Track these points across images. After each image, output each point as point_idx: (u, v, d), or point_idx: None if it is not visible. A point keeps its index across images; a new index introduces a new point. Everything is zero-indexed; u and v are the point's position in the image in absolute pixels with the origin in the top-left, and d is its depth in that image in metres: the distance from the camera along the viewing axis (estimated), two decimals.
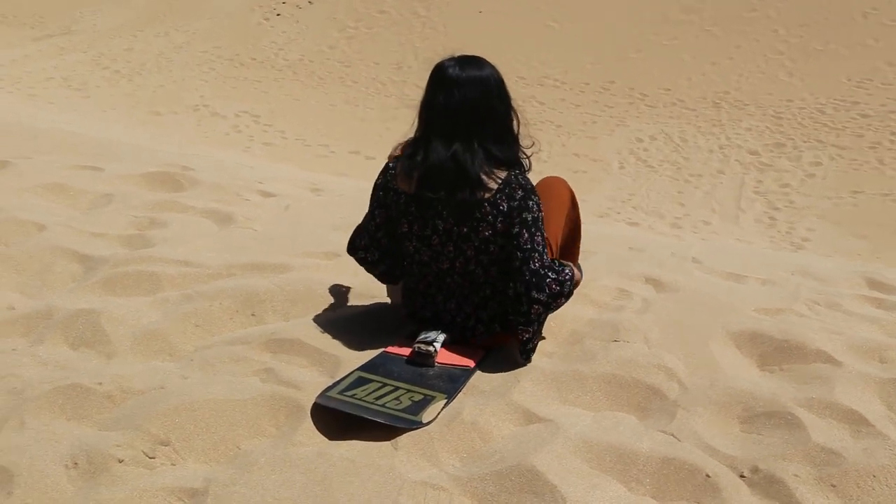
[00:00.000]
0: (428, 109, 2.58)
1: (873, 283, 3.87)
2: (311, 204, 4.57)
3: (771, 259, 4.64)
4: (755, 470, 2.10)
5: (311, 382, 2.39)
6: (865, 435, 2.26)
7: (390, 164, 2.68)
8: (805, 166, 11.43)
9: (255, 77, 16.68)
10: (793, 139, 12.33)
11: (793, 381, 2.58)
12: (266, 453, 2.08)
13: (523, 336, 2.57)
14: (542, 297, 2.50)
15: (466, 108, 2.51)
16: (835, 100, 13.48)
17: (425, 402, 2.34)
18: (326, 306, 2.96)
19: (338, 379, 2.44)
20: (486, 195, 2.51)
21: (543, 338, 2.72)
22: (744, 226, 9.72)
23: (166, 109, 14.65)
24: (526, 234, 2.52)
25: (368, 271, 2.80)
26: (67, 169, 4.80)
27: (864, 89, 13.72)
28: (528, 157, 2.67)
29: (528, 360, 2.61)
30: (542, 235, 2.56)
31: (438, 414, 2.30)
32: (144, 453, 2.04)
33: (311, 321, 2.79)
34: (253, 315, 2.86)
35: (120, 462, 1.98)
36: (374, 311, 2.93)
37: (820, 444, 2.18)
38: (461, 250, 2.59)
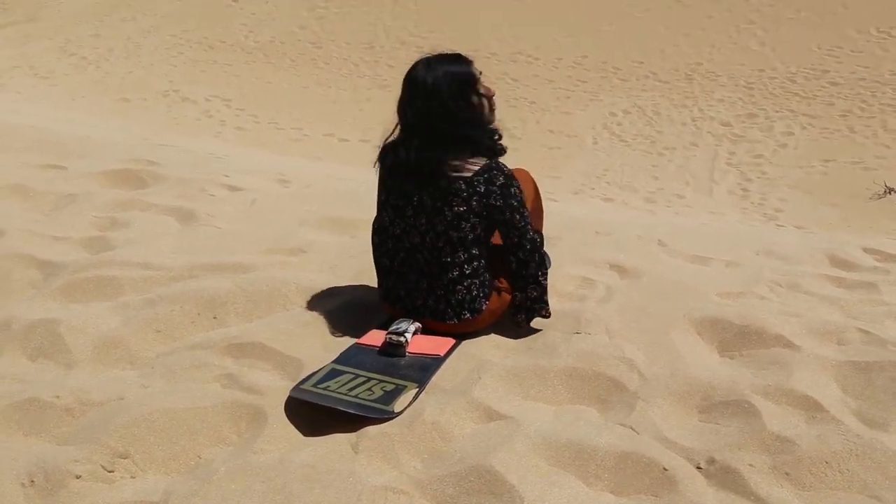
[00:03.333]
0: (401, 109, 2.70)
1: (836, 261, 3.91)
2: (277, 197, 4.54)
3: (738, 237, 4.68)
4: (711, 461, 2.13)
5: (273, 387, 2.39)
6: (820, 421, 2.29)
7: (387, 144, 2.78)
8: (777, 136, 11.49)
9: (226, 60, 16.50)
10: (765, 109, 12.38)
11: (751, 368, 2.61)
12: (226, 462, 2.08)
13: (532, 293, 2.74)
14: (544, 259, 2.76)
15: (434, 111, 2.62)
16: (805, 68, 13.54)
17: (397, 392, 2.39)
18: (290, 306, 2.96)
19: (311, 372, 2.48)
20: (464, 175, 2.63)
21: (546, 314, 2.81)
22: (717, 198, 9.77)
23: (135, 96, 14.48)
24: (517, 216, 2.69)
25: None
26: (30, 168, 4.75)
27: (833, 57, 13.79)
28: (498, 141, 2.75)
29: (528, 321, 2.79)
30: (527, 211, 2.74)
31: (410, 403, 2.35)
32: (103, 467, 2.03)
33: (274, 323, 2.79)
34: (215, 318, 2.85)
35: (78, 478, 1.97)
36: (338, 311, 2.93)
37: (775, 433, 2.21)
38: (432, 224, 2.65)
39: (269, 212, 4.15)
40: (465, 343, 2.71)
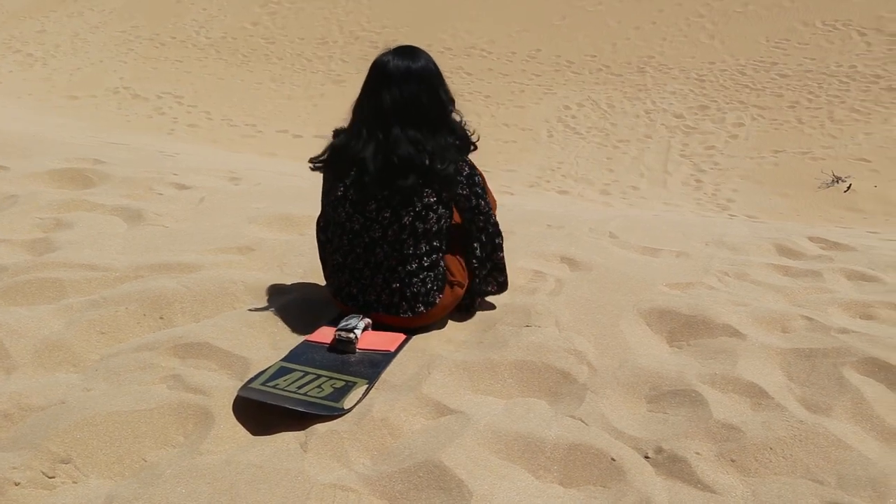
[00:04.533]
0: (369, 105, 2.68)
1: (782, 250, 3.98)
2: (227, 195, 4.48)
3: (689, 228, 4.73)
4: (659, 450, 2.15)
5: (220, 387, 2.35)
6: (765, 408, 2.33)
7: (335, 133, 2.79)
8: (728, 127, 11.66)
9: (177, 57, 16.29)
10: (716, 101, 12.56)
11: (699, 357, 2.64)
12: (172, 464, 2.05)
13: (487, 288, 2.92)
14: (499, 242, 2.86)
15: (408, 103, 2.64)
16: (754, 61, 13.76)
17: (347, 389, 2.38)
18: (237, 305, 2.92)
19: (260, 370, 2.45)
20: (436, 166, 2.64)
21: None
22: (671, 189, 9.89)
23: (84, 93, 14.23)
24: (483, 202, 2.80)
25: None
26: None
27: (781, 49, 14.04)
28: (469, 136, 2.79)
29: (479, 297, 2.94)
30: (489, 199, 2.85)
31: (360, 400, 2.33)
32: (44, 473, 1.99)
33: (221, 322, 2.75)
34: (161, 318, 2.80)
35: (17, 485, 1.92)
36: (286, 309, 2.89)
37: (721, 421, 2.23)
38: (398, 216, 2.65)
39: (217, 210, 4.09)
40: (416, 338, 2.71)
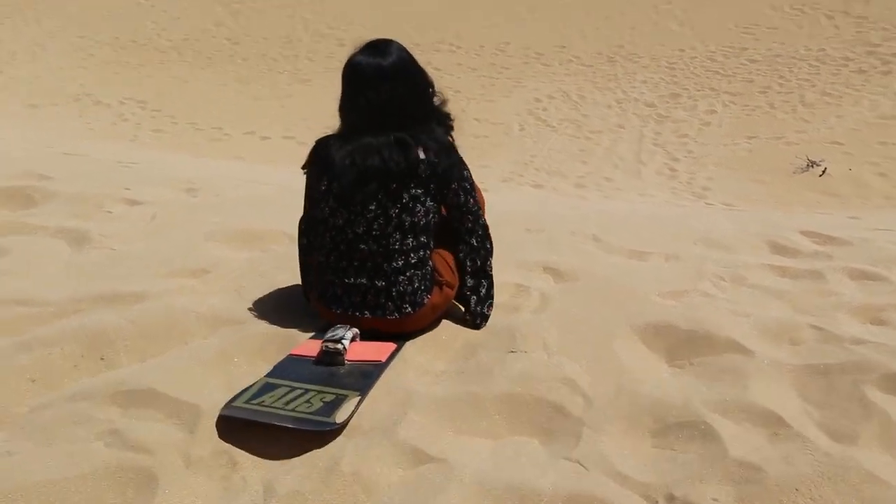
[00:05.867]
0: (349, 109, 2.60)
1: (775, 247, 3.74)
2: (182, 209, 4.16)
3: (673, 224, 4.49)
4: (670, 497, 1.88)
5: (165, 443, 2.05)
6: (784, 438, 2.07)
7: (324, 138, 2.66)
8: (701, 115, 11.49)
9: (138, 61, 15.86)
10: (687, 89, 12.38)
11: (704, 379, 2.38)
12: None
13: (481, 291, 2.73)
14: (490, 247, 2.74)
15: (386, 104, 2.54)
16: (724, 47, 13.61)
17: (338, 402, 2.20)
18: (190, 340, 2.61)
19: (244, 388, 2.26)
20: (423, 157, 2.53)
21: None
22: (646, 179, 9.67)
23: (45, 101, 13.77)
24: (471, 199, 2.67)
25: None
26: None
27: (751, 35, 13.90)
28: (450, 124, 2.69)
29: (482, 324, 2.72)
30: (477, 196, 2.72)
31: (353, 412, 2.14)
32: None
33: (170, 362, 2.44)
34: (102, 359, 2.48)
35: None
36: (245, 342, 2.59)
37: (738, 459, 1.97)
38: (384, 209, 2.52)
39: (171, 227, 3.77)
40: (389, 370, 2.41)
